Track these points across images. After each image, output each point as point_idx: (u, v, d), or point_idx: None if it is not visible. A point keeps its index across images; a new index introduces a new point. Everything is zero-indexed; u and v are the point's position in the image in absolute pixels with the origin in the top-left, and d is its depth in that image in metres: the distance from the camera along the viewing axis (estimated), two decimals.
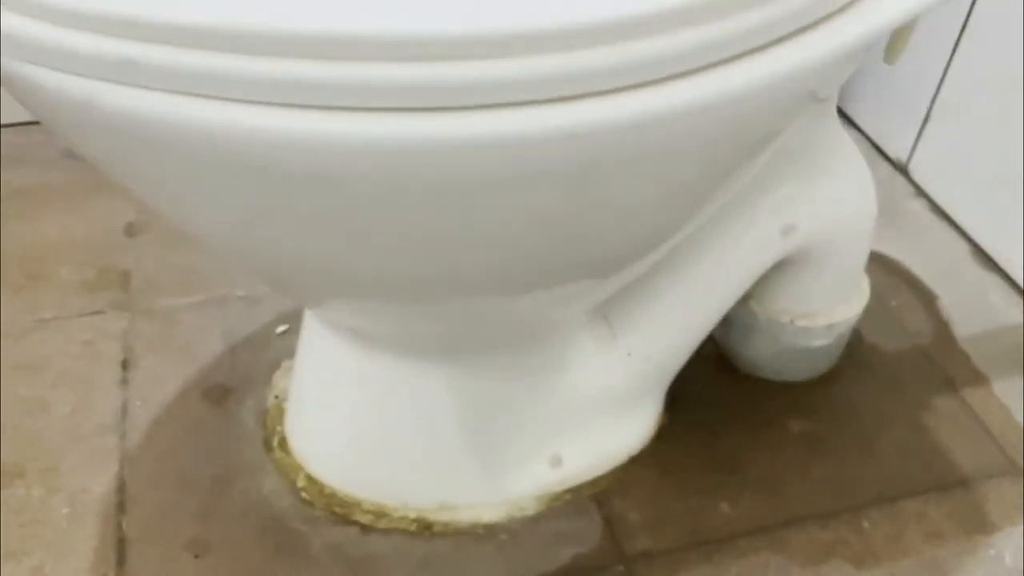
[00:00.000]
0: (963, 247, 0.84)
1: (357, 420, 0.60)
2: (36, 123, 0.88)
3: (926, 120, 0.88)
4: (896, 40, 0.47)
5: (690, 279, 0.58)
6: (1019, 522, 0.62)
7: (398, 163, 0.30)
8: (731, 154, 0.40)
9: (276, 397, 0.66)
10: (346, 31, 0.28)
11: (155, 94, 0.29)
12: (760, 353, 0.69)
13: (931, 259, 0.82)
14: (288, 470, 0.62)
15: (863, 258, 0.66)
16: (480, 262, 0.38)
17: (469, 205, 0.32)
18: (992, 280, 0.80)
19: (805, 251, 0.61)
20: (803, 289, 0.64)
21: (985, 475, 0.65)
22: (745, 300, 0.66)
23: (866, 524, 0.61)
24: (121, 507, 0.59)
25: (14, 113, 0.90)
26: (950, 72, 0.83)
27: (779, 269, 0.63)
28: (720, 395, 0.69)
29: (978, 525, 0.62)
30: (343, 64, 0.28)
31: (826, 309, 0.66)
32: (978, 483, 0.64)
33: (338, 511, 0.60)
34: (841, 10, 0.35)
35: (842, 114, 0.99)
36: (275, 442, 0.63)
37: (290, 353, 0.69)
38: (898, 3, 0.37)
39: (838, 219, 0.61)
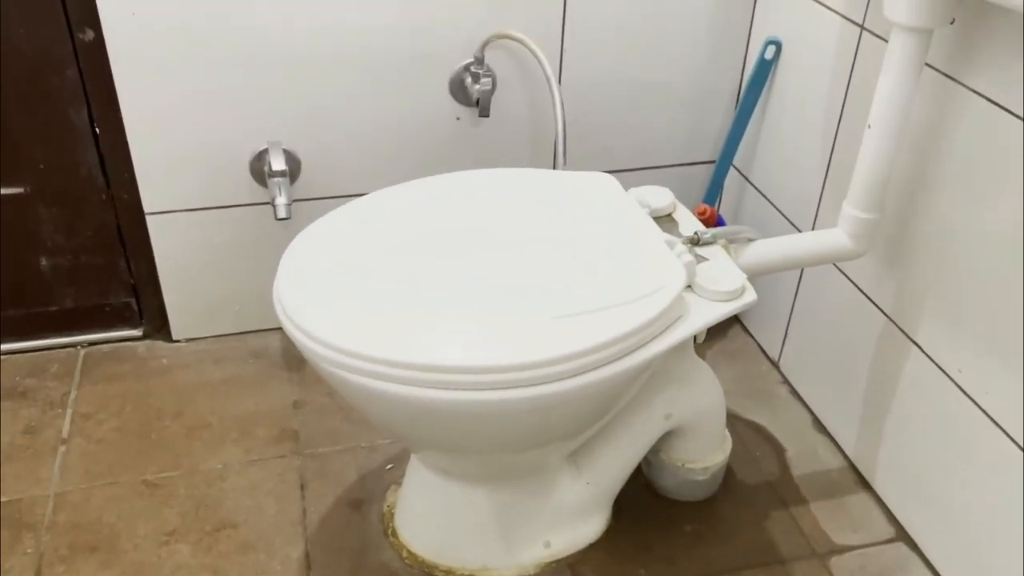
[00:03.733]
0: (807, 418, 1.33)
1: (437, 520, 1.09)
2: (229, 335, 1.41)
3: (786, 336, 1.39)
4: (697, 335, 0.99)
5: (618, 442, 1.08)
6: None
7: (500, 408, 0.82)
8: (621, 390, 0.91)
9: (388, 507, 1.16)
10: (472, 364, 0.80)
11: (409, 387, 0.81)
12: (668, 483, 1.18)
13: (785, 426, 1.32)
14: (398, 547, 1.11)
15: (721, 429, 1.16)
16: (512, 440, 0.89)
17: (518, 421, 0.84)
18: (821, 440, 1.29)
19: (682, 426, 1.11)
20: (686, 447, 1.14)
21: (796, 558, 1.12)
22: (656, 452, 1.16)
23: None
24: (308, 566, 1.08)
25: (209, 328, 1.44)
26: (796, 305, 1.35)
27: (671, 435, 1.13)
28: (645, 508, 1.18)
29: None
30: (475, 375, 0.80)
31: (702, 458, 1.16)
32: (792, 562, 1.11)
33: (427, 570, 1.08)
34: (653, 338, 0.87)
35: (743, 327, 1.51)
36: (389, 532, 1.13)
37: (395, 480, 1.20)
38: (684, 329, 0.89)
39: (699, 409, 1.11)
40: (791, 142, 1.31)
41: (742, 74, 1.41)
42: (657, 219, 1.04)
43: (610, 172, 1.44)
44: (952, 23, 0.92)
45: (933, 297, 1.05)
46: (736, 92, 1.43)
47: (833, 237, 1.06)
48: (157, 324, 1.43)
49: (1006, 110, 0.91)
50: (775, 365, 1.43)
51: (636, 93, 1.39)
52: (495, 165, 1.39)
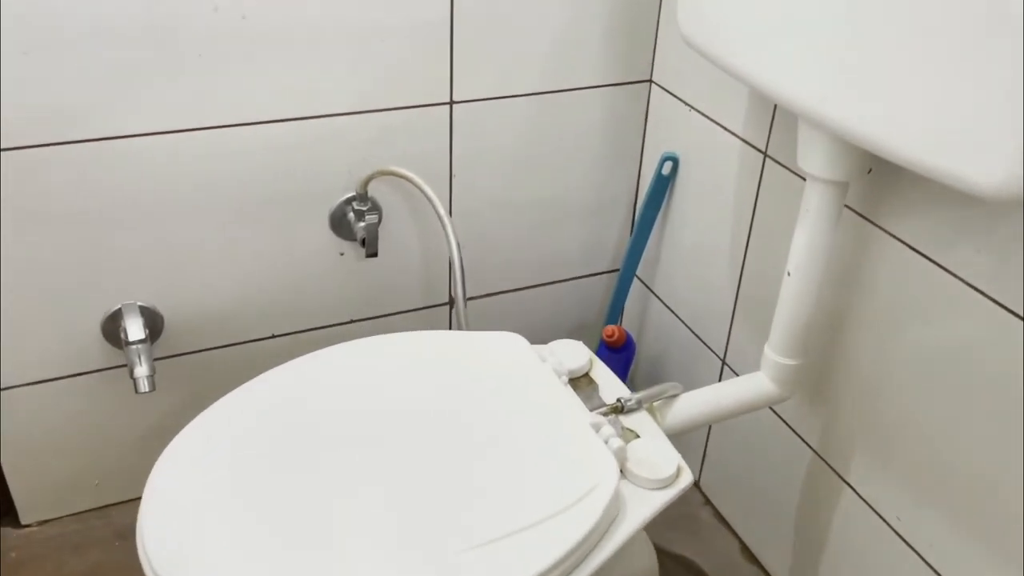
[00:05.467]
0: (735, 545, 1.27)
1: None
2: (89, 512, 1.22)
3: (705, 453, 1.33)
4: None
5: None
6: None
7: None
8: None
9: None
10: None
11: None
12: None
13: (714, 556, 1.25)
14: None
15: None
16: None
17: None
18: (754, 572, 1.23)
19: None
20: None
21: None
22: None
23: None
24: None
25: (66, 506, 1.25)
26: (712, 433, 1.30)
27: None
28: None
29: None
30: None
31: None
32: None
33: None
34: (587, 555, 0.77)
35: None
36: None
37: None
38: (621, 533, 0.80)
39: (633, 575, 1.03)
40: (694, 258, 1.25)
41: (637, 187, 1.35)
42: (574, 381, 0.95)
43: (509, 291, 1.37)
44: (869, 172, 0.88)
45: (864, 439, 1.00)
46: (632, 204, 1.37)
47: (757, 384, 1.00)
48: (1, 508, 1.23)
49: (926, 257, 0.87)
50: (696, 485, 1.36)
51: (530, 210, 1.30)
52: (385, 303, 1.28)
